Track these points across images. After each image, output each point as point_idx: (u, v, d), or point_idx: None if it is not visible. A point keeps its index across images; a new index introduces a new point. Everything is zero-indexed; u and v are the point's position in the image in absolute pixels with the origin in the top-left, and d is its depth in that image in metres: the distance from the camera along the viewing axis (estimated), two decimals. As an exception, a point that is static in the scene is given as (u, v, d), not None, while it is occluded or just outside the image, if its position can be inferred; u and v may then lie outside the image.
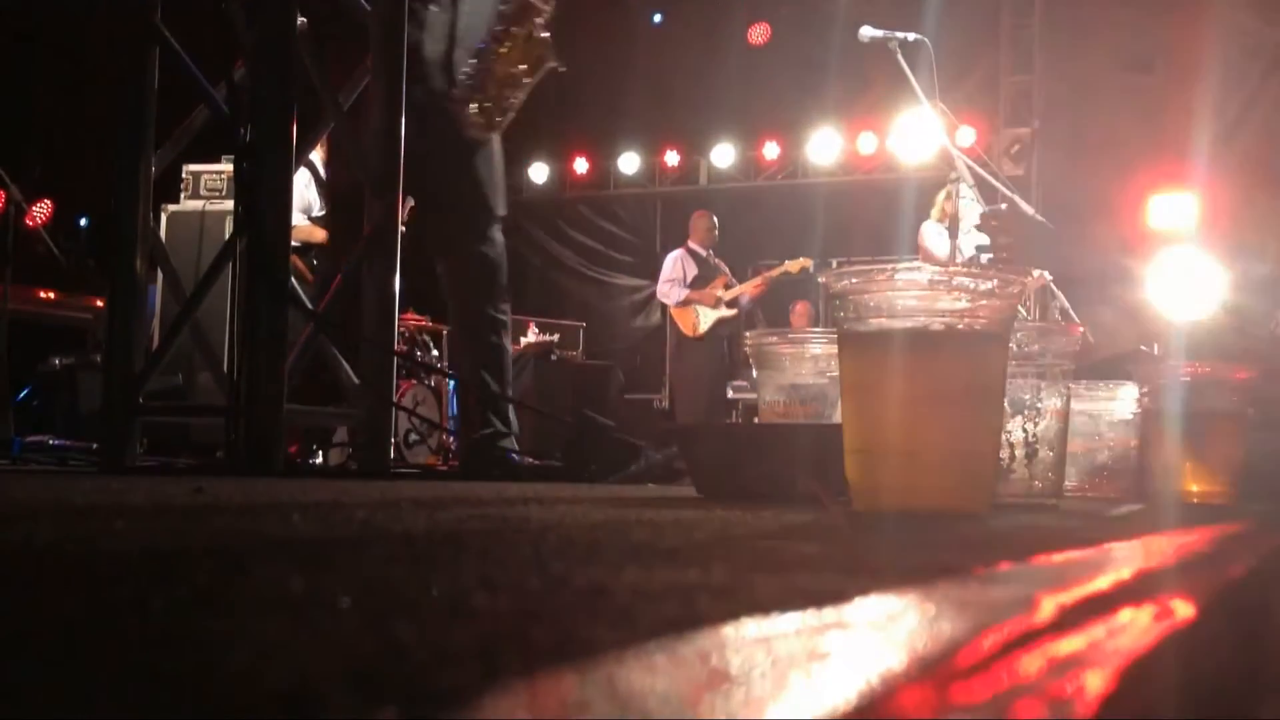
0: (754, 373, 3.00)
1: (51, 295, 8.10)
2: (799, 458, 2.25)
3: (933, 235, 8.18)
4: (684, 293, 9.37)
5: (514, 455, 4.42)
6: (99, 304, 7.10)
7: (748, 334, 3.00)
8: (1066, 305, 5.15)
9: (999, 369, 1.87)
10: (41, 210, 8.67)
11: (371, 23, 4.42)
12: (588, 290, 13.34)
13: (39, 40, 8.93)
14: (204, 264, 4.14)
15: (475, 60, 4.39)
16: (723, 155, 12.62)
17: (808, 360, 2.71)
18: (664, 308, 10.59)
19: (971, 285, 1.78)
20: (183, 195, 6.73)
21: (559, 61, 4.48)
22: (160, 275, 5.03)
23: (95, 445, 4.42)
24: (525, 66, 4.44)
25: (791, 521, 1.67)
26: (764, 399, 2.80)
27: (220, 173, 6.59)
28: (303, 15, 4.00)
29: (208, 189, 6.72)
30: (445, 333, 9.20)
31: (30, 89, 8.78)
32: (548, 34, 4.45)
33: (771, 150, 12.46)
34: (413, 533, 1.28)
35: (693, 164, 13.01)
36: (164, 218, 6.48)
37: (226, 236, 4.03)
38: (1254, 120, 7.65)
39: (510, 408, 4.52)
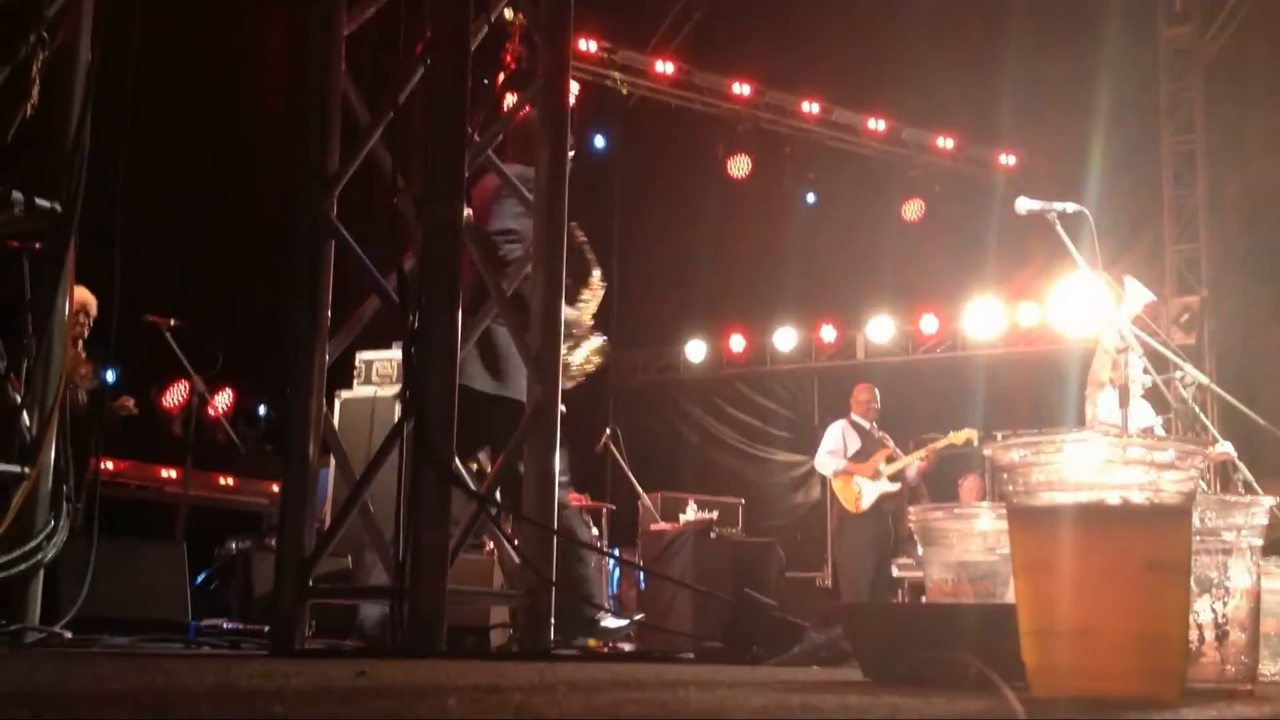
0: (919, 549, 2.91)
1: (230, 481, 8.42)
2: (970, 640, 2.16)
3: (1105, 403, 7.91)
4: (842, 463, 9.15)
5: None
6: (276, 489, 7.34)
7: (912, 509, 2.91)
8: (1250, 479, 4.91)
9: (1183, 545, 1.77)
10: (223, 399, 9.09)
11: (536, 216, 4.59)
12: (746, 467, 13.28)
13: (223, 227, 9.52)
14: (375, 448, 4.25)
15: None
16: (880, 329, 12.56)
17: (976, 536, 2.62)
18: (824, 483, 10.41)
19: (1149, 457, 1.71)
20: (356, 382, 6.97)
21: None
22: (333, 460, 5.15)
23: (266, 628, 4.50)
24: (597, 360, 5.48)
25: (965, 708, 1.59)
26: (931, 577, 2.71)
27: (391, 359, 6.82)
28: (468, 206, 4.17)
29: (379, 375, 6.95)
30: (606, 511, 9.24)
31: (215, 275, 9.32)
32: (605, 339, 5.51)
33: (929, 324, 12.36)
34: (568, 719, 1.26)
35: (849, 339, 12.98)
36: (337, 404, 6.71)
37: (395, 420, 4.14)
38: None
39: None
